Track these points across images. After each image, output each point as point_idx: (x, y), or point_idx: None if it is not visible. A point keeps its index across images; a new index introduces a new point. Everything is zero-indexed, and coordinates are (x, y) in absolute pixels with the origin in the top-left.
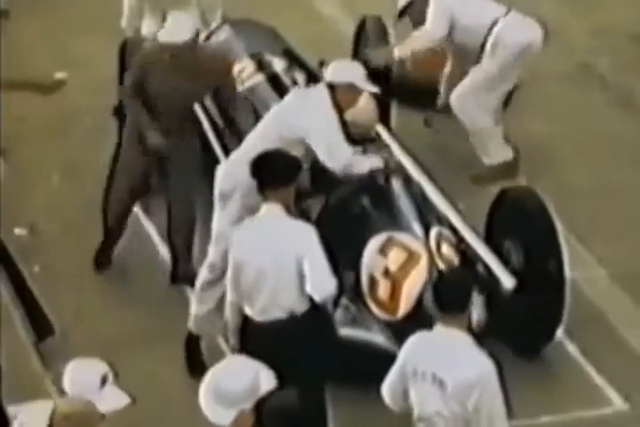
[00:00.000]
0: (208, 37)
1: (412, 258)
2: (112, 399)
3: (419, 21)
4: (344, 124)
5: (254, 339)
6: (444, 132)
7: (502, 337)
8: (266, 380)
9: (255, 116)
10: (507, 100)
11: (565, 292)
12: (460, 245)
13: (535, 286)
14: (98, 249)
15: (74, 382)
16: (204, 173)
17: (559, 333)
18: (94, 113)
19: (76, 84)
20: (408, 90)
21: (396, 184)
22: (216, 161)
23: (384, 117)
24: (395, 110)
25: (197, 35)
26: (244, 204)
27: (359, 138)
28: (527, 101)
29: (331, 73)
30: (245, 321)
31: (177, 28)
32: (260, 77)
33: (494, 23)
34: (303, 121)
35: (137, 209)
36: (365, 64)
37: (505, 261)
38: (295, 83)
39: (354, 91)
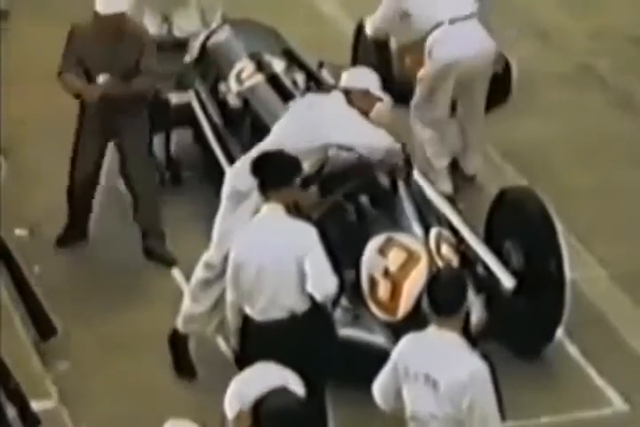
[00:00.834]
0: (208, 37)
1: (411, 258)
2: None
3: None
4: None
5: (254, 339)
6: None
7: (502, 338)
8: (295, 387)
9: (252, 112)
10: (507, 100)
11: (565, 292)
12: (460, 246)
13: (535, 286)
14: (67, 223)
15: None
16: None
17: (559, 333)
18: None
19: None
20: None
21: (396, 184)
22: (214, 160)
23: None
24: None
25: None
26: (260, 204)
27: None
28: (527, 102)
29: (346, 79)
30: (246, 321)
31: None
32: (259, 78)
33: (436, 26)
34: (326, 126)
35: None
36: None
37: (505, 261)
38: (295, 83)
39: (369, 98)
